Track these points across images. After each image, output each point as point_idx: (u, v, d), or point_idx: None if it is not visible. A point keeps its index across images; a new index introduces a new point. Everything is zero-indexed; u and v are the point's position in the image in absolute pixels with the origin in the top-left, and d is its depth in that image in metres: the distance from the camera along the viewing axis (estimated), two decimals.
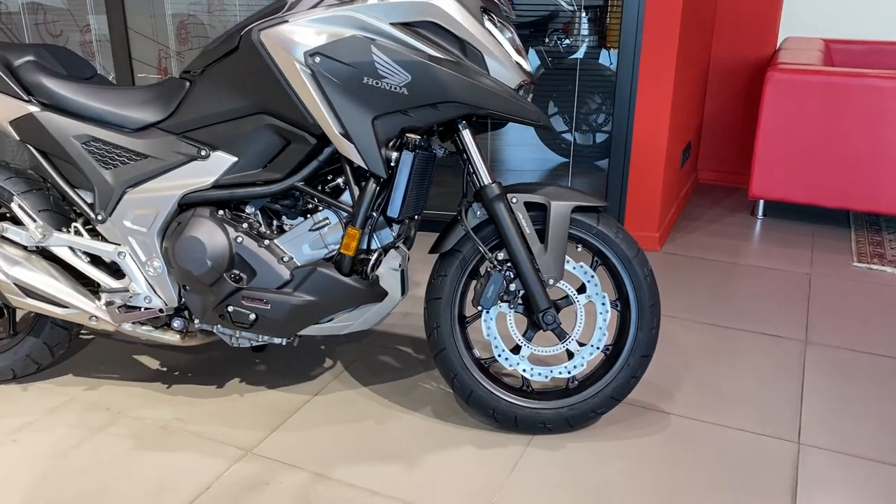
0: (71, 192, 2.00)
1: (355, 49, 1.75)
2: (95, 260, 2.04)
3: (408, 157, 1.82)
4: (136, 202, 1.96)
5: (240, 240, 1.90)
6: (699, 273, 3.12)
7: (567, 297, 1.99)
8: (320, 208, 1.95)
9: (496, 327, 2.00)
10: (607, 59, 3.34)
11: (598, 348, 1.97)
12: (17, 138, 1.99)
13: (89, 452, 1.92)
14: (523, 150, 3.74)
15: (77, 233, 2.03)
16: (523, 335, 1.99)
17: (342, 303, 1.91)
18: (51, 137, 1.96)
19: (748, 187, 3.75)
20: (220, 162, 1.92)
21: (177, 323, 2.03)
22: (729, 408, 2.14)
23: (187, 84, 1.96)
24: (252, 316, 1.91)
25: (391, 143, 1.84)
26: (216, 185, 1.93)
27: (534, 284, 1.89)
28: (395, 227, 1.96)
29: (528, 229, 1.90)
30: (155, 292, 1.99)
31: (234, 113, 1.90)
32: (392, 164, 1.84)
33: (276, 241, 1.95)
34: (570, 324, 2.53)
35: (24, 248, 2.05)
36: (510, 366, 1.98)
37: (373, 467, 1.87)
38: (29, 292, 2.03)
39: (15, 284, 2.02)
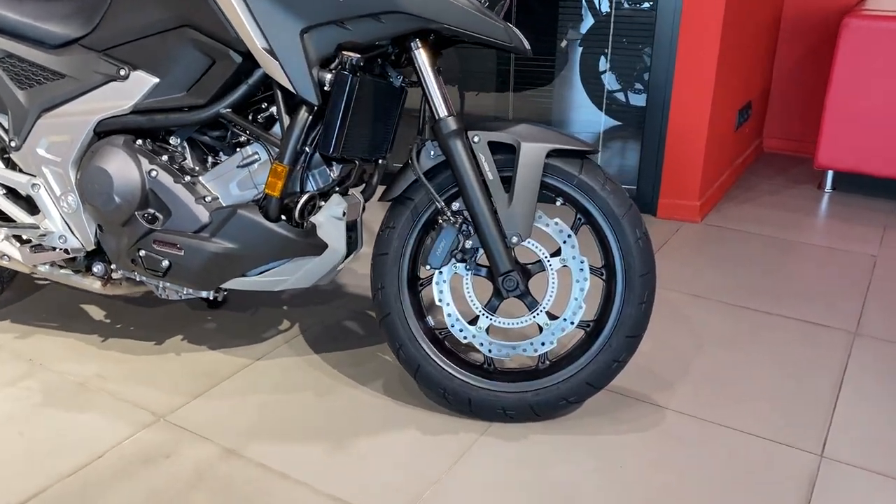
0: None
1: None
2: (15, 193, 1.83)
3: (345, 79, 1.51)
4: (51, 128, 1.72)
5: (154, 174, 1.64)
6: (743, 249, 2.69)
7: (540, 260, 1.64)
8: (250, 141, 1.66)
9: (450, 291, 1.67)
10: (648, 4, 2.91)
11: (572, 323, 1.62)
12: None
13: None
14: (568, 113, 3.33)
15: None
16: (485, 304, 1.66)
17: (268, 253, 1.63)
18: None
19: (814, 156, 3.25)
20: (139, 83, 1.66)
21: (97, 268, 1.80)
22: (743, 407, 1.76)
23: None
24: (165, 262, 1.65)
25: (329, 65, 1.54)
26: (136, 111, 1.68)
27: (493, 242, 1.56)
28: (336, 167, 1.65)
29: (492, 174, 1.57)
30: (71, 231, 1.76)
31: (156, 26, 1.64)
32: (326, 88, 1.53)
33: (201, 178, 1.68)
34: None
35: None
36: (464, 338, 1.66)
37: (294, 446, 1.60)
38: None
39: None
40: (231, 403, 1.74)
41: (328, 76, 1.52)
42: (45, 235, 1.76)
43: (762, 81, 3.62)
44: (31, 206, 1.81)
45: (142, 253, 1.67)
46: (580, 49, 3.25)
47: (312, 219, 1.66)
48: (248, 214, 1.60)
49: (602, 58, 3.24)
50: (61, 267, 1.82)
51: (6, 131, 1.77)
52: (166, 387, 1.80)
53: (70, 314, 2.13)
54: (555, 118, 3.28)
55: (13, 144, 1.75)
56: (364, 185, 1.83)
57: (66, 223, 1.76)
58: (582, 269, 1.60)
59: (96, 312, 2.16)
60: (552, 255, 1.62)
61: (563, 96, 3.26)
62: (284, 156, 1.56)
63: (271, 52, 1.51)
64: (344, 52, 1.51)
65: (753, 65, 3.34)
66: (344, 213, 1.68)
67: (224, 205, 1.66)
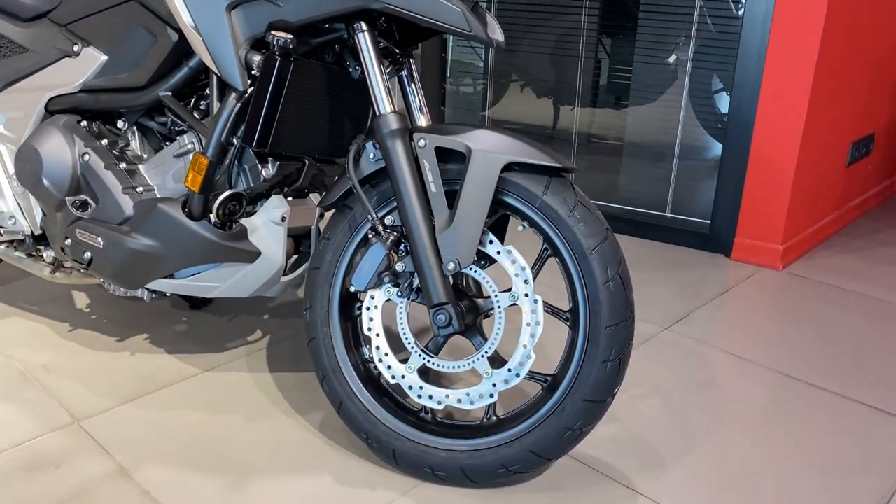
0: None
1: None
2: None
3: (272, 62, 1.31)
4: (9, 103, 1.66)
5: (87, 157, 1.52)
6: (826, 307, 2.23)
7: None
8: (187, 130, 1.50)
9: (381, 318, 1.41)
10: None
11: (517, 375, 1.32)
12: None
13: None
14: (667, 136, 2.92)
15: None
16: (428, 342, 1.40)
17: (187, 254, 1.45)
18: None
19: None
20: (90, 60, 1.55)
21: (46, 253, 1.71)
22: None
23: None
24: (87, 254, 1.52)
25: (265, 47, 1.35)
26: (85, 90, 1.57)
27: (427, 267, 1.30)
28: (272, 165, 1.45)
29: (435, 186, 1.31)
30: (22, 212, 1.68)
31: (109, 0, 1.52)
32: (255, 72, 1.34)
33: (141, 166, 1.54)
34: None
35: None
36: (392, 377, 1.40)
37: (191, 476, 1.41)
38: None
39: None
40: (154, 416, 1.58)
41: (256, 58, 1.33)
42: None
43: (893, 111, 3.06)
44: None
45: (68, 242, 1.55)
46: (654, 61, 2.87)
47: (246, 222, 1.47)
48: (167, 210, 1.43)
49: (683, 74, 2.85)
50: (16, 249, 1.75)
51: None
52: (101, 388, 1.68)
53: (53, 299, 2.08)
54: (627, 139, 2.92)
55: None
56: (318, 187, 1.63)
57: (18, 203, 1.68)
58: (535, 311, 1.30)
59: (81, 300, 2.09)
60: (503, 291, 1.33)
61: (636, 115, 2.89)
62: (208, 146, 1.39)
63: (197, 28, 1.34)
64: (272, 32, 1.31)
65: (877, 90, 2.82)
66: (284, 218, 1.48)
67: (159, 197, 1.51)
